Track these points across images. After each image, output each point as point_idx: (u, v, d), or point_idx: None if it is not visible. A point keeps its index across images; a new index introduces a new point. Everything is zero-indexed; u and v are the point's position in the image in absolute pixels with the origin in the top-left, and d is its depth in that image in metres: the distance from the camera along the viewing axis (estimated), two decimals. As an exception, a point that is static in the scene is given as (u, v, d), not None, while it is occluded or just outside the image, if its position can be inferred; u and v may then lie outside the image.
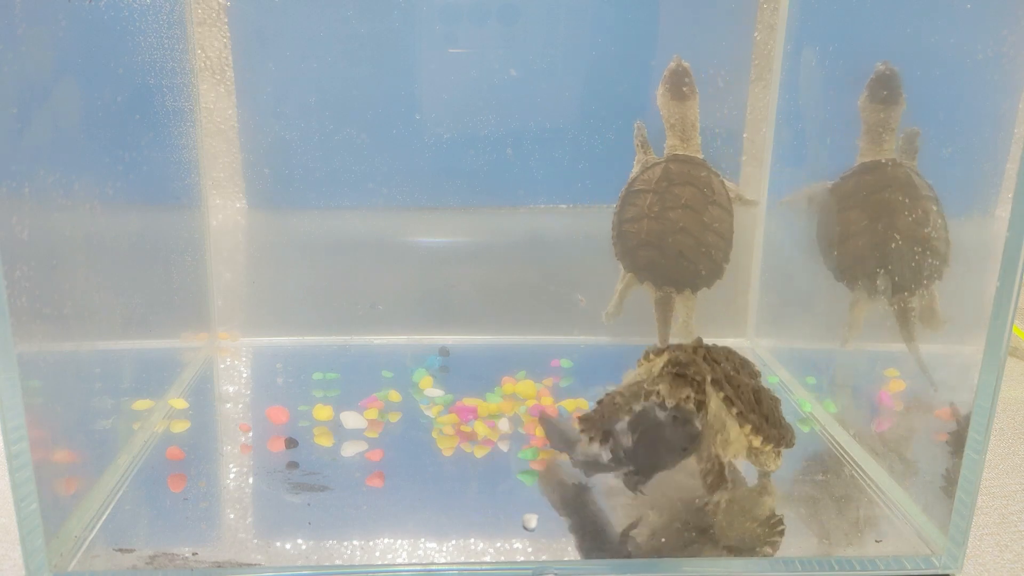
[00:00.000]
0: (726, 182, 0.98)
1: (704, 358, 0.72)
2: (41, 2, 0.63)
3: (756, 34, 1.03)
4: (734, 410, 0.70)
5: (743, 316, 1.12)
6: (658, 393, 0.69)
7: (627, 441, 0.68)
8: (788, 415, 0.92)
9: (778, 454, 0.75)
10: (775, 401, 0.76)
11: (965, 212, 0.75)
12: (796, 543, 0.70)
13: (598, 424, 0.71)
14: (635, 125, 0.98)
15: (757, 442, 0.71)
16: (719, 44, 1.02)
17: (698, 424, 0.67)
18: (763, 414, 0.72)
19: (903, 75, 0.81)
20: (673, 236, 0.93)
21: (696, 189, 0.94)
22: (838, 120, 0.93)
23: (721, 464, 0.70)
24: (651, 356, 0.76)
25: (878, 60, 0.83)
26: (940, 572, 0.67)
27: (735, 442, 0.72)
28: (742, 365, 0.77)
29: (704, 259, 0.94)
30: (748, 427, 0.70)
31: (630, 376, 0.77)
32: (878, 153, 0.84)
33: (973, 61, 0.70)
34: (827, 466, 0.82)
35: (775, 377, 1.02)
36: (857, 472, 0.80)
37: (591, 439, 0.70)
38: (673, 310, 0.97)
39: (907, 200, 0.80)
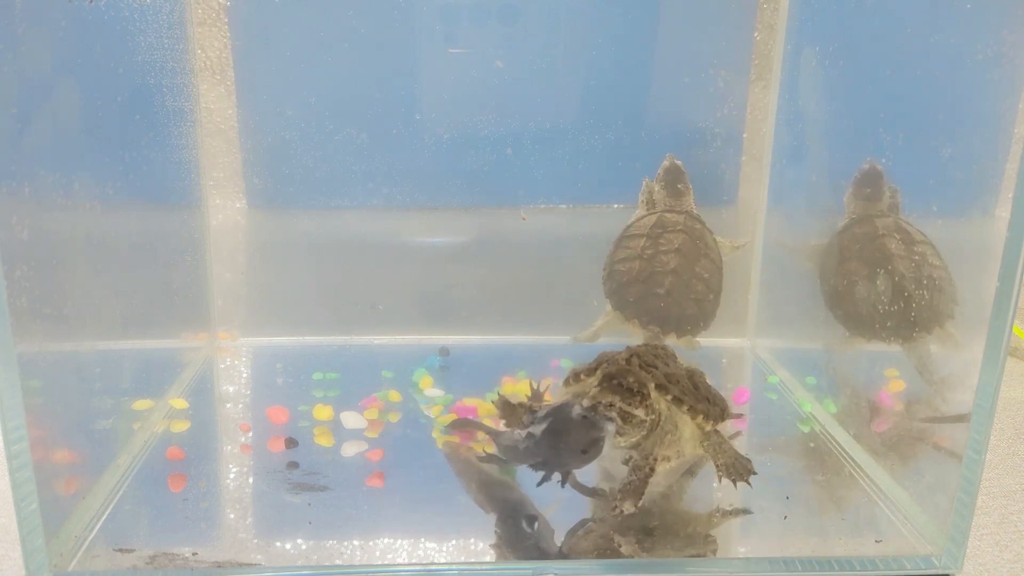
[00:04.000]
0: (718, 237, 1.01)
1: (640, 366, 0.72)
2: (41, 2, 0.63)
3: (756, 34, 1.03)
4: (684, 407, 0.71)
5: (743, 316, 1.12)
6: (611, 404, 0.69)
7: (538, 431, 0.68)
8: (788, 415, 0.93)
9: (716, 431, 0.75)
10: (704, 376, 0.78)
11: (965, 212, 0.75)
12: (796, 543, 0.70)
13: (516, 410, 0.73)
14: (643, 182, 1.01)
15: (708, 426, 0.73)
16: (719, 44, 1.02)
17: (605, 432, 0.67)
18: (704, 397, 0.74)
19: (903, 74, 0.81)
20: (663, 276, 0.95)
21: (688, 238, 0.97)
22: (838, 120, 0.93)
23: (651, 470, 0.69)
24: (581, 376, 0.75)
25: (863, 161, 0.88)
26: (940, 572, 0.67)
27: (691, 437, 0.73)
28: (668, 356, 0.78)
29: (692, 305, 0.96)
30: (700, 416, 0.72)
31: (561, 397, 0.76)
32: (867, 209, 0.88)
33: (973, 61, 0.70)
34: (827, 466, 0.82)
35: (775, 377, 1.02)
36: (857, 472, 0.80)
37: (504, 422, 0.72)
38: None
39: (903, 244, 0.81)
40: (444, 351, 1.06)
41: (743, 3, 1.02)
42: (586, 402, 0.69)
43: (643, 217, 1.00)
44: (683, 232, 0.97)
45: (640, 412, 0.69)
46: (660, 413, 0.71)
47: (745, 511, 0.73)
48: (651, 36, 1.02)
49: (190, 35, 0.97)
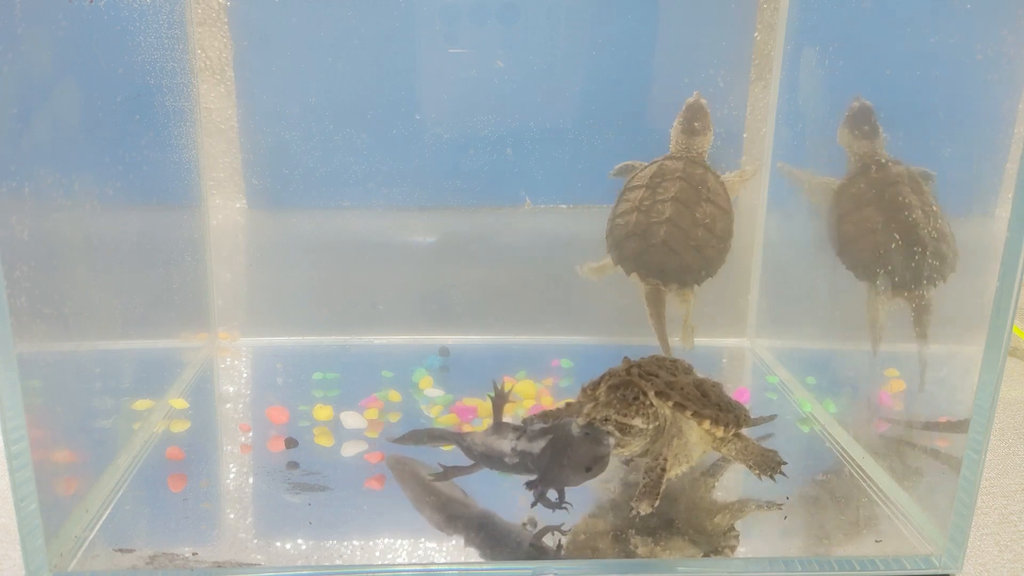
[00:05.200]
0: (727, 174, 0.98)
1: (639, 375, 0.72)
2: (41, 2, 0.63)
3: (756, 34, 1.03)
4: (687, 412, 0.71)
5: (743, 316, 1.12)
6: (607, 418, 0.69)
7: (535, 448, 0.68)
8: (788, 415, 0.93)
9: (737, 438, 0.76)
10: (718, 386, 0.77)
11: (965, 212, 0.75)
12: (796, 543, 0.70)
13: (512, 426, 0.73)
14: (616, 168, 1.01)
15: (720, 432, 0.72)
16: (719, 44, 1.02)
17: (608, 447, 0.67)
18: (715, 403, 0.73)
19: (903, 74, 0.81)
20: (658, 227, 0.93)
21: (688, 184, 0.94)
22: (838, 120, 0.93)
23: (663, 470, 0.69)
24: (587, 391, 0.75)
25: (859, 92, 0.86)
26: (940, 572, 0.67)
27: (700, 442, 0.73)
28: (675, 366, 0.77)
29: (692, 253, 0.94)
30: (707, 422, 0.71)
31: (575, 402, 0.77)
32: (869, 148, 0.85)
33: (973, 61, 0.70)
34: (827, 466, 0.82)
35: (775, 377, 1.02)
36: (857, 472, 0.80)
37: (497, 434, 0.71)
38: (664, 306, 0.96)
39: (915, 195, 0.81)
40: (444, 351, 1.06)
41: (743, 3, 1.02)
42: (581, 420, 0.69)
43: (645, 167, 0.98)
44: (680, 179, 0.94)
45: (638, 421, 0.69)
46: (664, 418, 0.71)
47: (775, 504, 0.74)
48: (651, 36, 1.02)
49: (190, 35, 0.97)
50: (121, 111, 0.80)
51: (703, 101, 0.97)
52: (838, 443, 0.86)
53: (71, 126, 0.70)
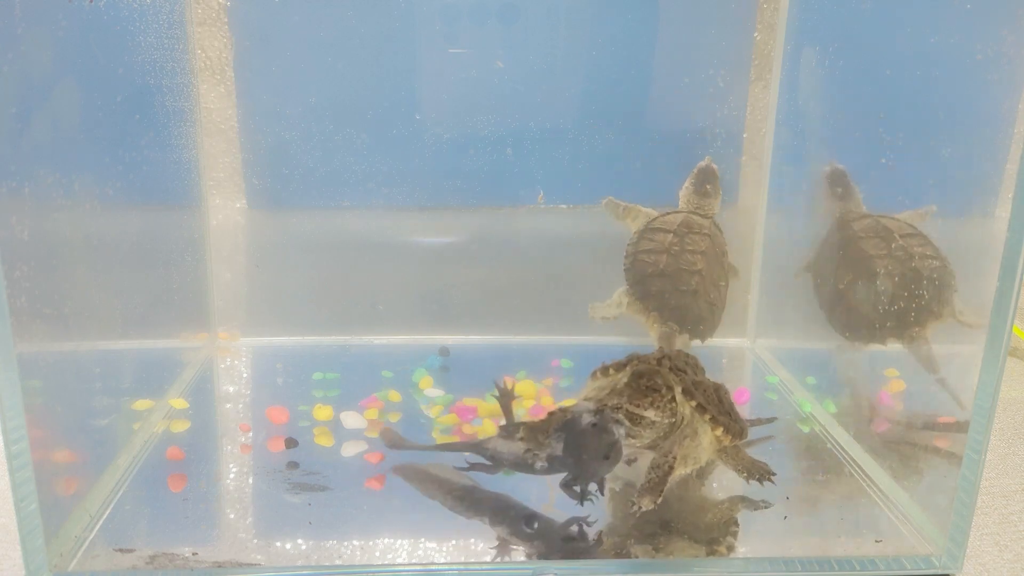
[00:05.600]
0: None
1: (670, 368, 0.72)
2: (41, 2, 0.63)
3: (756, 34, 1.03)
4: (707, 416, 0.71)
5: (743, 316, 1.12)
6: (619, 406, 0.69)
7: (557, 449, 0.69)
8: (788, 415, 0.93)
9: (733, 449, 0.76)
10: (727, 393, 0.78)
11: (965, 212, 0.75)
12: (796, 543, 0.70)
13: (540, 434, 0.71)
14: (603, 203, 1.02)
15: (727, 440, 0.73)
16: (719, 44, 1.02)
17: (618, 433, 0.67)
18: (726, 411, 0.74)
19: (903, 74, 0.82)
20: (690, 276, 0.95)
21: (712, 244, 0.98)
22: (838, 120, 0.93)
23: (670, 468, 0.69)
24: (611, 371, 0.75)
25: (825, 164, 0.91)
26: (940, 572, 0.67)
27: (708, 447, 0.73)
28: (696, 366, 0.78)
29: (708, 309, 0.96)
30: (720, 429, 0.72)
31: (587, 391, 0.77)
32: (844, 209, 0.89)
33: (973, 61, 0.70)
34: (827, 466, 0.82)
35: (775, 377, 1.02)
36: (857, 472, 0.80)
37: (531, 451, 0.70)
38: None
39: (882, 242, 0.82)
40: (444, 351, 1.06)
41: (743, 3, 1.02)
42: (592, 406, 0.69)
43: (669, 214, 1.00)
44: (709, 236, 0.98)
45: (651, 413, 0.69)
46: (682, 416, 0.71)
47: (765, 503, 0.74)
48: (651, 36, 1.02)
49: (190, 35, 0.97)
50: (121, 111, 0.80)
51: (715, 166, 1.00)
52: (838, 443, 0.86)
53: (71, 126, 0.70)
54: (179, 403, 0.91)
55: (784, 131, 1.03)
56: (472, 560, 0.66)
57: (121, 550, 0.66)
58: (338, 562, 0.65)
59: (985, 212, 0.69)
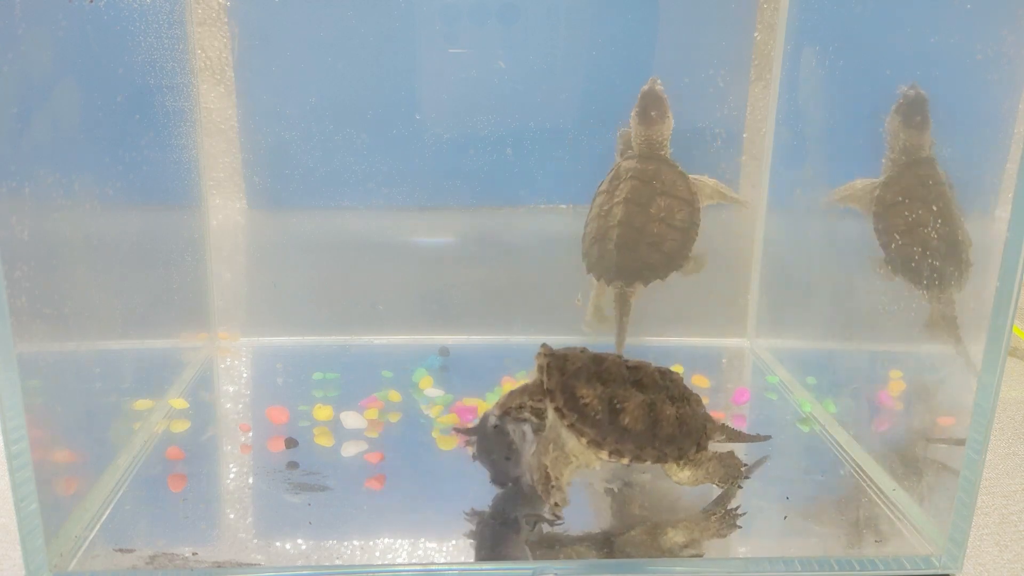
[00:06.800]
0: (705, 178, 0.97)
1: (549, 365, 0.70)
2: (41, 2, 0.63)
3: (756, 34, 1.03)
4: (565, 422, 0.68)
5: (743, 316, 1.12)
6: (521, 405, 0.70)
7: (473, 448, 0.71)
8: (788, 415, 0.93)
9: (681, 467, 0.71)
10: (692, 409, 0.73)
11: (965, 212, 0.75)
12: (796, 543, 0.70)
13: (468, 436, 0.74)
14: (618, 132, 0.99)
15: (603, 455, 0.68)
16: (719, 44, 1.02)
17: (516, 434, 0.68)
18: (633, 428, 0.69)
19: (903, 74, 0.81)
20: (612, 230, 0.93)
21: (639, 182, 0.94)
22: (838, 120, 0.93)
23: (546, 474, 0.68)
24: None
25: (897, 76, 0.83)
26: (940, 572, 0.67)
27: (580, 454, 0.69)
28: (643, 374, 0.72)
29: (649, 250, 0.93)
30: (584, 439, 0.68)
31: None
32: (917, 140, 0.83)
33: (973, 61, 0.70)
34: (827, 466, 0.82)
35: (775, 377, 1.02)
36: (857, 472, 0.80)
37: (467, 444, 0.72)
38: (629, 308, 0.96)
39: (953, 192, 0.80)
40: (444, 351, 1.06)
41: (743, 3, 1.02)
42: (496, 410, 0.70)
43: (609, 171, 0.98)
44: (632, 178, 0.94)
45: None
46: (547, 420, 0.70)
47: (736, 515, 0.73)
48: (651, 36, 1.02)
49: (190, 35, 0.97)
50: (121, 111, 0.80)
51: (658, 87, 0.95)
52: (838, 443, 0.86)
53: (71, 126, 0.70)
54: (179, 403, 0.91)
55: (784, 131, 1.03)
56: (472, 560, 0.66)
57: (121, 550, 0.66)
58: (338, 562, 0.65)
59: (985, 212, 0.69)
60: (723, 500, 0.74)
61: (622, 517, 0.73)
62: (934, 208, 0.81)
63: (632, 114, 0.96)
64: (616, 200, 0.94)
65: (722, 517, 0.72)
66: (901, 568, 0.67)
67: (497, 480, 0.71)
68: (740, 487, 0.73)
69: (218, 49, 0.99)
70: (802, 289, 1.00)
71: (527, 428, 0.69)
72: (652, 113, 0.94)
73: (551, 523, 0.69)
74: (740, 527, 0.71)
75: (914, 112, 0.82)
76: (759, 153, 1.07)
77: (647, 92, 0.95)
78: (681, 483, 0.72)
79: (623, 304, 0.96)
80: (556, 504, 0.68)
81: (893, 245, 0.85)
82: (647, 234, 0.93)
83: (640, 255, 0.93)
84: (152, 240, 0.90)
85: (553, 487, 0.67)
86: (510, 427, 0.70)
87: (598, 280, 0.97)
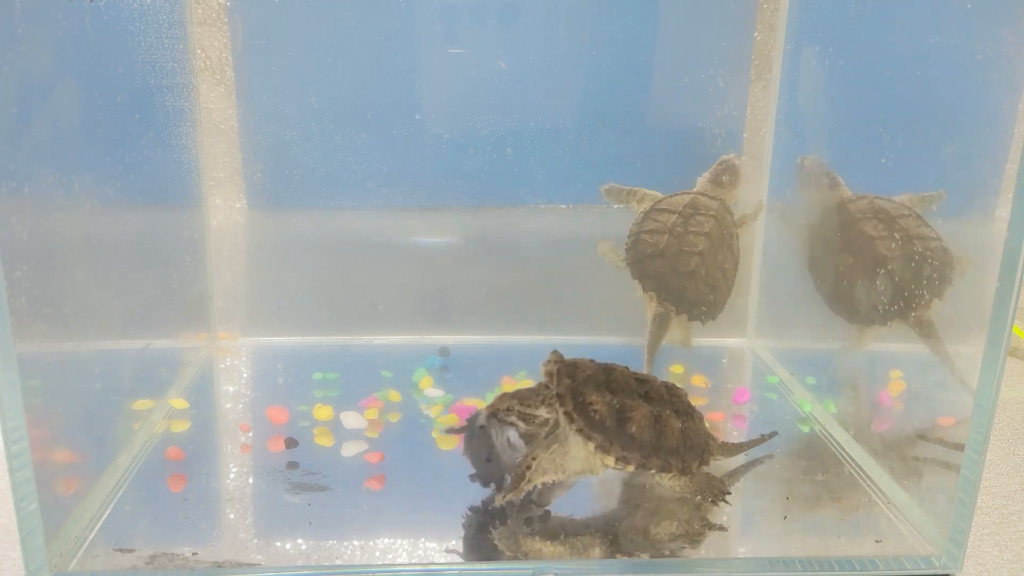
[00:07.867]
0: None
1: (559, 371, 0.71)
2: (41, 2, 0.63)
3: (756, 34, 1.03)
4: (573, 426, 0.68)
5: (743, 316, 1.12)
6: (509, 409, 0.70)
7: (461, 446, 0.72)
8: (788, 415, 0.93)
9: (674, 478, 0.72)
10: (693, 425, 0.73)
11: (965, 212, 0.75)
12: (796, 543, 0.70)
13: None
14: (601, 190, 1.02)
15: (610, 461, 0.69)
16: (719, 44, 1.02)
17: (500, 436, 0.69)
18: (639, 436, 0.69)
19: (903, 74, 0.82)
20: (690, 256, 0.95)
21: (718, 225, 0.97)
22: (838, 120, 0.93)
23: (527, 468, 0.68)
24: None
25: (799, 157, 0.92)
26: (940, 572, 0.67)
27: (580, 459, 0.69)
28: (650, 388, 0.73)
29: (709, 291, 0.96)
30: (592, 444, 0.68)
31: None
32: (836, 196, 0.89)
33: (973, 61, 0.70)
34: (827, 466, 0.82)
35: (775, 377, 1.02)
36: (857, 472, 0.80)
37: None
38: (666, 331, 0.97)
39: (882, 224, 0.81)
40: (444, 351, 1.06)
41: (743, 3, 1.02)
42: (486, 411, 0.71)
43: (677, 195, 0.99)
44: (715, 218, 0.96)
45: (542, 411, 0.70)
46: (555, 421, 0.70)
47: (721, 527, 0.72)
48: (651, 36, 1.02)
49: (190, 35, 0.97)
50: (121, 111, 0.80)
51: (737, 162, 1.00)
52: (838, 443, 0.86)
53: (71, 126, 0.70)
54: (179, 403, 0.91)
55: (784, 131, 1.03)
56: (472, 560, 0.66)
57: (121, 550, 0.66)
58: (338, 562, 0.65)
59: (985, 212, 0.69)
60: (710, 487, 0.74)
61: (618, 510, 0.74)
62: (853, 250, 0.84)
63: (705, 173, 1.00)
64: (695, 230, 0.95)
65: (711, 490, 0.73)
66: (901, 568, 0.67)
67: (478, 478, 0.72)
68: (726, 502, 0.73)
69: (218, 49, 0.99)
70: (802, 289, 1.00)
71: (512, 433, 0.70)
72: (724, 179, 1.00)
73: (535, 512, 0.70)
74: (729, 504, 0.72)
75: (818, 177, 0.89)
76: (759, 153, 1.07)
77: (726, 161, 1.01)
78: (671, 490, 0.73)
79: (663, 324, 0.96)
80: (510, 494, 0.68)
81: (832, 301, 0.90)
82: (712, 277, 0.96)
83: (702, 292, 0.95)
84: (152, 240, 0.90)
85: (526, 480, 0.68)
86: (494, 430, 0.70)
87: (645, 291, 0.97)
